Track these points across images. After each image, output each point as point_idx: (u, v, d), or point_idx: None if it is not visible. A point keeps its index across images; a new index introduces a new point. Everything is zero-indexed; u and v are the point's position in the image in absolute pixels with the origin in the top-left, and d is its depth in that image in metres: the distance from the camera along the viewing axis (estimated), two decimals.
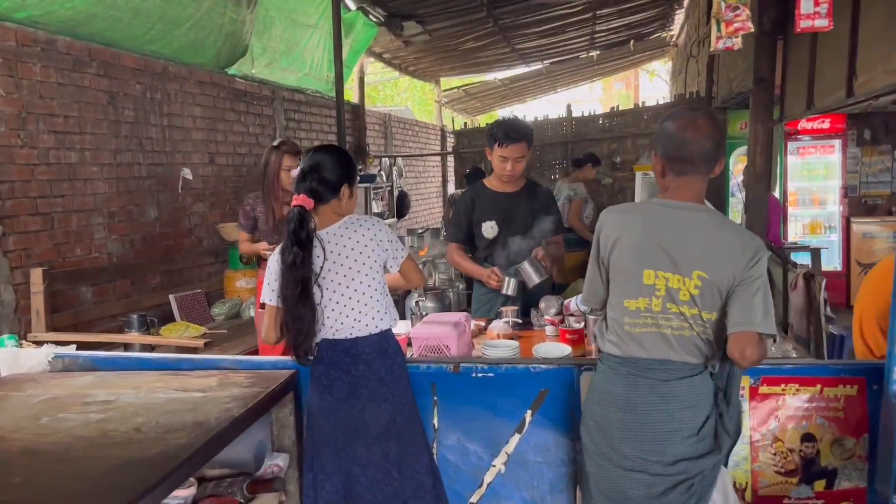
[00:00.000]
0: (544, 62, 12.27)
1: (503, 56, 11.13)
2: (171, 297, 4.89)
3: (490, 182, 3.63)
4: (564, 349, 2.62)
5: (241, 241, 3.98)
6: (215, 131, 5.64)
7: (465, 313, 3.00)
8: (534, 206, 3.55)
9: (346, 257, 2.32)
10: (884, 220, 8.17)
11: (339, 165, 2.37)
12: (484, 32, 9.28)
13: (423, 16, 8.25)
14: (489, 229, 3.52)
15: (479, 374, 2.49)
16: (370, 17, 7.91)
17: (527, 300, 3.46)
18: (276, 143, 3.89)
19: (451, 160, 13.10)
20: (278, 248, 2.36)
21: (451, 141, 13.33)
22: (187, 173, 5.17)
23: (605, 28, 10.65)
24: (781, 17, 5.27)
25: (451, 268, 4.75)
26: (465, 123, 10.26)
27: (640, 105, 8.45)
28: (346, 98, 7.15)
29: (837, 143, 8.19)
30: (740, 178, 7.75)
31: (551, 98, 17.33)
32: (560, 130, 8.71)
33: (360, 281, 2.33)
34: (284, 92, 6.78)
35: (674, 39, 12.35)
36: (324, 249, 2.31)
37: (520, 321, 3.24)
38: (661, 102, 9.01)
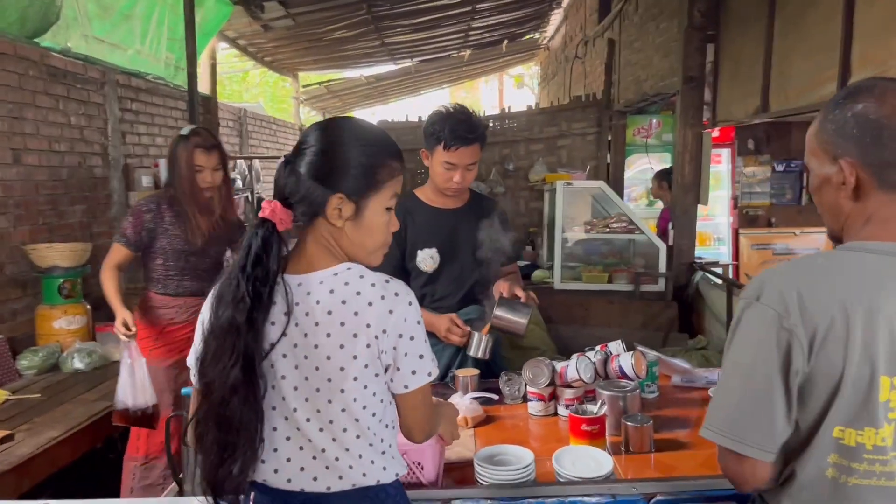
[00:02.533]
0: (414, 60, 11.42)
1: (372, 51, 10.14)
2: None
3: (425, 194, 2.67)
4: (602, 460, 1.69)
5: (112, 261, 3.02)
6: (22, 121, 4.22)
7: None
8: (485, 228, 2.65)
9: (324, 341, 1.25)
10: (769, 231, 8.06)
11: (343, 153, 1.31)
12: (355, 21, 8.25)
13: None
14: (428, 259, 2.57)
15: None
16: None
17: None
18: (184, 132, 3.04)
19: None
20: (213, 293, 1.30)
21: None
22: None
23: (481, 25, 9.98)
24: (713, 9, 4.73)
25: None
26: None
27: (534, 107, 7.79)
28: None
29: (726, 152, 7.98)
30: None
31: (412, 101, 16.54)
32: None
33: (344, 390, 1.26)
34: (119, 75, 5.39)
35: (546, 42, 11.94)
36: (289, 310, 1.25)
37: (493, 397, 2.30)
38: (552, 105, 8.41)
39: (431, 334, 2.58)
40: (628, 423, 1.90)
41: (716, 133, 7.80)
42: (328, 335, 1.24)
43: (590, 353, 2.23)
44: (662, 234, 5.85)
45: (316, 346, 1.25)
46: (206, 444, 1.25)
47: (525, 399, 2.27)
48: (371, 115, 16.30)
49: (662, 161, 7.36)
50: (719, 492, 1.47)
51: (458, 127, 2.44)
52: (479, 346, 2.40)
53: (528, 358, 2.27)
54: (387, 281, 1.29)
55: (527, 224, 6.95)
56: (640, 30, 6.03)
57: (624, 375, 2.15)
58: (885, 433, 1.09)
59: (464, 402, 2.16)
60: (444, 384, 2.49)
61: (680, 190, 4.92)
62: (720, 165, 7.94)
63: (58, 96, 4.59)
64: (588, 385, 2.16)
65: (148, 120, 5.94)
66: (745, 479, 1.18)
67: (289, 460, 1.29)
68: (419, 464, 1.64)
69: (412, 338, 1.28)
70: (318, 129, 1.35)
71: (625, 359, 2.16)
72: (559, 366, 2.18)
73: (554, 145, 7.12)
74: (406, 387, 1.30)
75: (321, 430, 1.27)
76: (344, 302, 1.25)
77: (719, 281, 4.69)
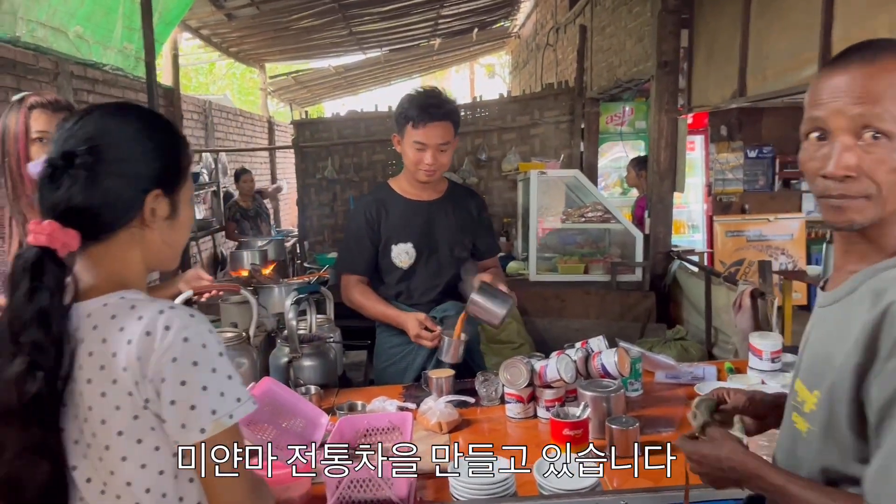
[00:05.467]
0: (383, 49, 11.22)
1: (340, 40, 9.91)
2: None
3: (399, 185, 2.54)
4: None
5: None
6: None
7: (407, 413, 1.88)
8: (463, 220, 2.54)
9: (86, 388, 1.05)
10: (743, 218, 8.02)
11: (143, 145, 1.12)
12: (322, 9, 8.04)
13: None
14: (403, 255, 2.44)
15: None
16: None
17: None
18: (18, 97, 2.09)
19: (280, 155, 11.70)
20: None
21: (284, 133, 11.93)
22: None
23: (450, 13, 9.81)
24: None
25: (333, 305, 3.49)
26: (306, 112, 8.94)
27: (506, 96, 7.63)
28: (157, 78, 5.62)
29: (699, 139, 7.93)
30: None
31: (383, 92, 16.31)
32: None
33: (109, 447, 1.05)
34: (73, 66, 5.16)
35: (517, 30, 11.81)
36: (72, 352, 1.05)
37: (469, 400, 2.17)
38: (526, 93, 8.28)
39: (386, 329, 2.51)
40: (613, 427, 1.78)
41: (689, 120, 7.76)
42: (88, 381, 1.04)
43: (570, 351, 2.10)
44: (639, 222, 5.76)
45: (80, 394, 1.05)
46: None
47: (503, 401, 2.15)
48: (341, 105, 16.05)
49: (636, 149, 7.28)
50: (714, 503, 1.36)
51: (427, 102, 2.36)
52: (450, 350, 2.28)
53: (505, 352, 2.16)
54: (161, 311, 1.04)
55: (501, 215, 6.82)
56: (613, 15, 5.92)
57: (607, 374, 2.03)
58: None
59: (438, 406, 2.03)
60: (417, 386, 2.37)
61: (656, 177, 4.82)
62: (694, 152, 7.88)
63: (7, 88, 4.36)
64: (569, 385, 2.04)
65: None
66: None
67: None
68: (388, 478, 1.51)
69: (183, 382, 1.01)
70: (115, 113, 1.13)
71: (607, 356, 2.04)
72: (538, 365, 2.06)
73: (527, 134, 7.00)
74: (177, 443, 1.04)
75: (102, 492, 1.08)
76: (104, 340, 1.04)
77: (696, 269, 4.62)
